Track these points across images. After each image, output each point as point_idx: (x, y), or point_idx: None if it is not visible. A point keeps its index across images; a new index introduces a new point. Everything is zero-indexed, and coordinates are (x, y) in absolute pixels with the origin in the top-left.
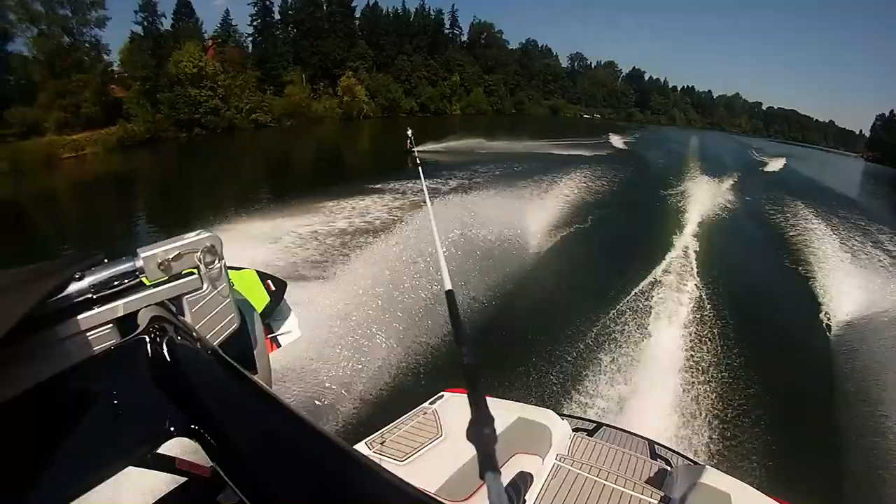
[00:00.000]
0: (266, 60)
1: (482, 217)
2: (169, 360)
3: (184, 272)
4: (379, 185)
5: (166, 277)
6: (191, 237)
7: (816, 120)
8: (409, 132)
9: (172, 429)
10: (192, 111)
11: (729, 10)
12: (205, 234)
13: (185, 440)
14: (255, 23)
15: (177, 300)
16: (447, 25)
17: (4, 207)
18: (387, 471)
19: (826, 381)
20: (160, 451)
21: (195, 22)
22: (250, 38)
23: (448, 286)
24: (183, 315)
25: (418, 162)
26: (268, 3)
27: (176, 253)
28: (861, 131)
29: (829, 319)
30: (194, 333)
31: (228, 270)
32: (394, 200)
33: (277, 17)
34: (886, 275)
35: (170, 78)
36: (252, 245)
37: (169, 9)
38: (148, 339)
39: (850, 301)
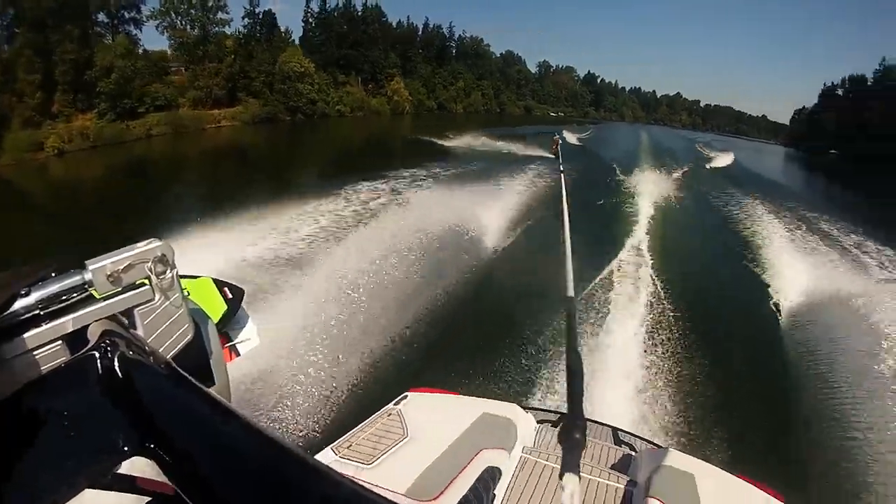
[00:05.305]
0: (328, 65)
1: (438, 216)
2: (121, 375)
3: (136, 283)
4: (354, 185)
5: (116, 290)
6: (141, 247)
7: (750, 115)
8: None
9: (126, 448)
10: (298, 100)
11: (674, 18)
12: (155, 243)
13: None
14: (312, 35)
15: (128, 312)
16: (448, 38)
17: (170, 160)
18: (351, 480)
19: (778, 361)
20: (121, 470)
21: (285, 31)
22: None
23: (570, 293)
24: (135, 328)
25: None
26: (315, 19)
27: (126, 264)
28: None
29: (777, 303)
30: (147, 347)
31: (183, 279)
32: (361, 203)
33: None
34: (822, 257)
35: (283, 74)
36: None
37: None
38: (98, 355)
39: (796, 283)
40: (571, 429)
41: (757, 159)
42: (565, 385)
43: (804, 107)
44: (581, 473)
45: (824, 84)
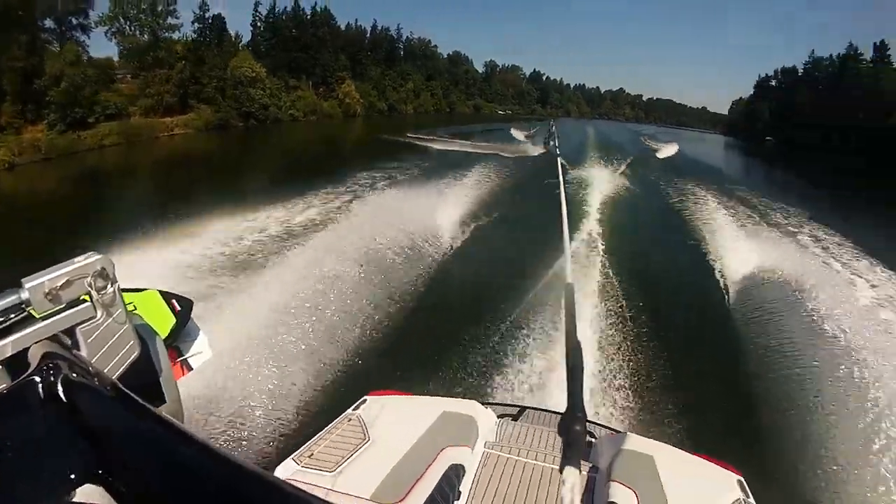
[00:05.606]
0: (277, 69)
1: (389, 220)
2: (65, 400)
3: (77, 300)
4: (309, 192)
5: (56, 308)
6: (79, 261)
7: (690, 107)
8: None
9: (74, 477)
10: (251, 106)
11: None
12: (94, 257)
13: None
14: (261, 39)
15: (70, 332)
16: (396, 40)
17: (123, 170)
18: (312, 495)
19: (727, 340)
20: (75, 499)
21: (235, 35)
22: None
23: (569, 279)
24: (78, 347)
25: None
26: (264, 23)
27: (64, 280)
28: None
29: (725, 284)
30: (91, 368)
31: (128, 293)
32: (309, 209)
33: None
34: (764, 238)
35: (234, 79)
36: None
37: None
38: (40, 380)
39: (741, 264)
40: (571, 423)
41: (700, 149)
42: (565, 379)
43: (741, 97)
44: (543, 463)
45: (759, 76)
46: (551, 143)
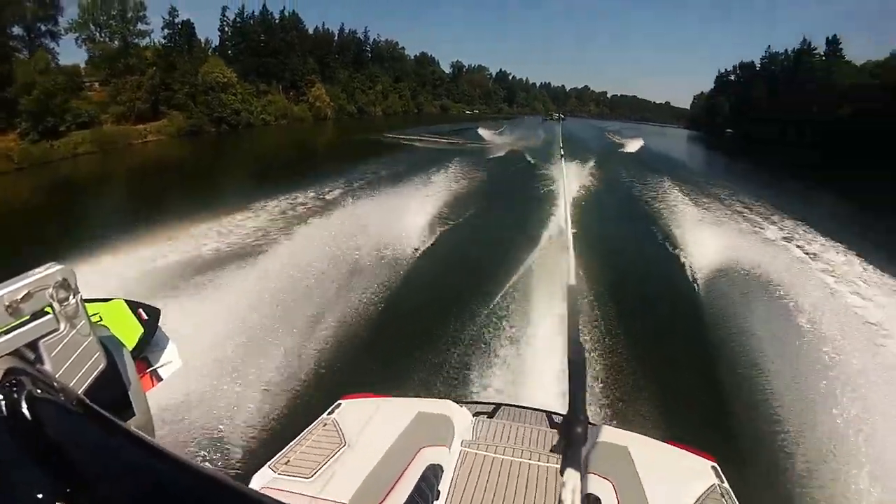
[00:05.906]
0: (247, 74)
1: (364, 220)
2: (29, 417)
3: (41, 311)
4: (273, 197)
5: (17, 321)
6: (39, 272)
7: (655, 102)
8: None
9: (41, 496)
10: (223, 111)
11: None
12: (55, 268)
13: None
14: (229, 44)
15: (33, 345)
16: (363, 43)
17: (99, 178)
18: None
19: (695, 327)
20: None
21: (205, 41)
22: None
23: (572, 281)
24: (42, 362)
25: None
26: (232, 28)
27: (24, 293)
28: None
29: (693, 275)
30: (55, 383)
31: (94, 303)
32: (281, 213)
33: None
34: (727, 225)
35: (205, 85)
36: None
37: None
38: (2, 396)
39: (708, 255)
40: (573, 424)
41: (663, 143)
42: (567, 379)
43: (702, 92)
44: (521, 459)
45: (718, 70)
46: (559, 145)
